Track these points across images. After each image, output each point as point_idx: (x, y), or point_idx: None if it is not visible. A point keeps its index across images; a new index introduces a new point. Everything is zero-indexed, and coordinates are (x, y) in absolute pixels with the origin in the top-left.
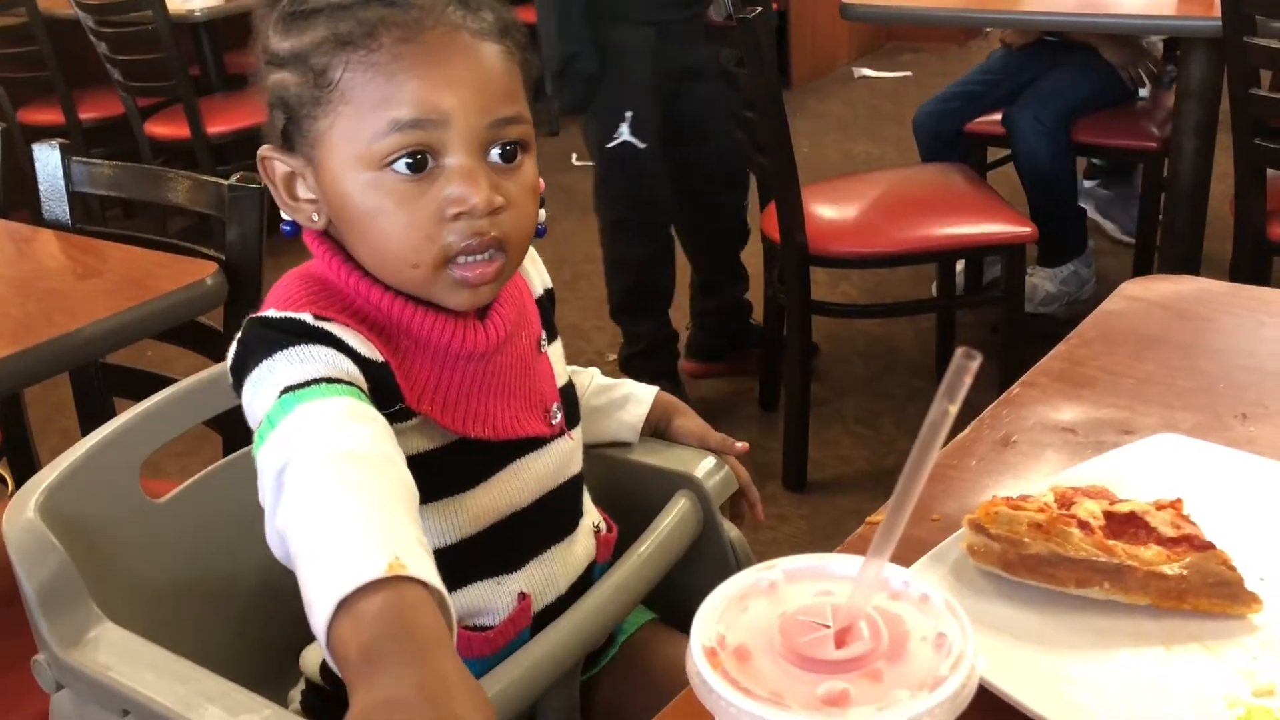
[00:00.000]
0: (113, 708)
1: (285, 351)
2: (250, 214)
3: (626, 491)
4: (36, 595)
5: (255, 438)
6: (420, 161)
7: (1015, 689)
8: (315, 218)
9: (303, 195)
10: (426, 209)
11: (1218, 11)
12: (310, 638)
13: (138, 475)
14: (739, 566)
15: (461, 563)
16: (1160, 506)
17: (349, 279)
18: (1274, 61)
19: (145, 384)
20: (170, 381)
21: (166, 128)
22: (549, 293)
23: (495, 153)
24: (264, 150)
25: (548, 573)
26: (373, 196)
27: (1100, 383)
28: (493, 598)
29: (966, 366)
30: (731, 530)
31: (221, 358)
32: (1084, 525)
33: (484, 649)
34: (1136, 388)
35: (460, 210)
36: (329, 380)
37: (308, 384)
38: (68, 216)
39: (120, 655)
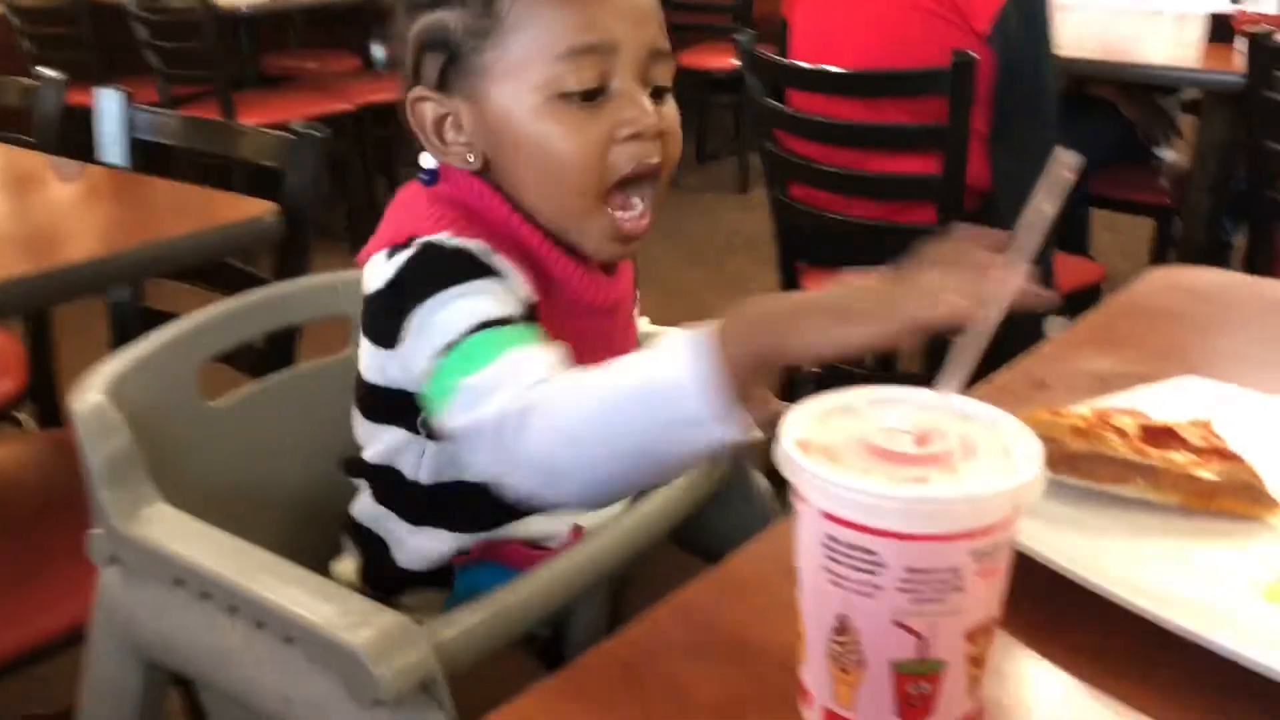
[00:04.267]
0: (166, 578)
1: (471, 283)
2: (310, 161)
3: None
4: (99, 469)
5: (442, 363)
6: (595, 89)
7: (1057, 557)
8: (470, 159)
9: (453, 138)
10: (598, 132)
11: (1238, 67)
12: (338, 551)
13: (196, 376)
14: (765, 516)
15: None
16: (1193, 424)
17: (505, 214)
18: None
19: None
20: None
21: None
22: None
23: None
24: (418, 92)
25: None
26: (545, 123)
27: (1128, 344)
28: (552, 525)
29: (1067, 163)
30: (761, 481)
31: None
32: (1121, 433)
33: (530, 564)
34: (1162, 349)
35: (633, 131)
36: (517, 319)
37: (503, 321)
38: (127, 162)
39: (175, 530)
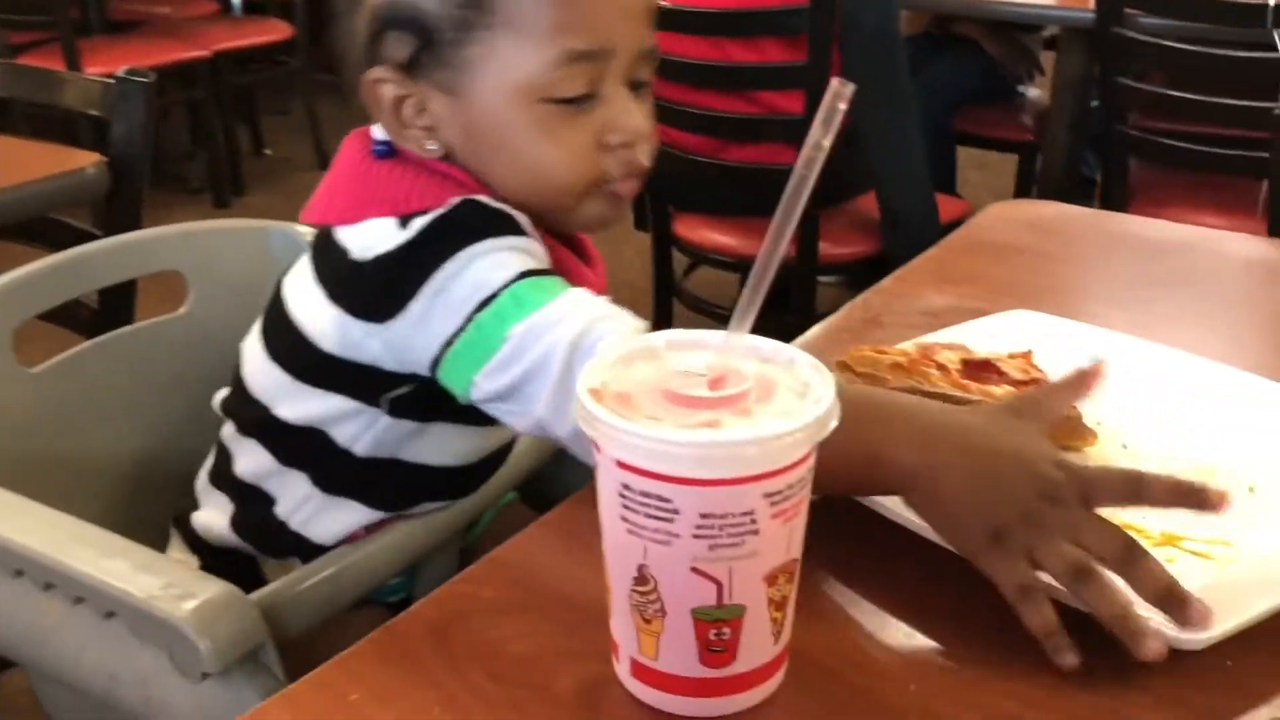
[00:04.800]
0: None
1: (511, 238)
2: (137, 110)
3: None
4: None
5: (483, 318)
6: (587, 95)
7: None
8: (431, 145)
9: (413, 120)
10: (585, 138)
11: (1092, 4)
12: (185, 510)
13: (10, 339)
14: None
15: (442, 484)
16: (1013, 356)
17: (494, 197)
18: (1139, 52)
19: None
20: None
21: (41, 65)
22: None
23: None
24: (377, 73)
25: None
26: (530, 128)
27: (965, 281)
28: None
29: (841, 94)
30: None
31: None
32: (941, 368)
33: None
34: (998, 285)
35: (623, 141)
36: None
37: (546, 272)
38: None
39: None
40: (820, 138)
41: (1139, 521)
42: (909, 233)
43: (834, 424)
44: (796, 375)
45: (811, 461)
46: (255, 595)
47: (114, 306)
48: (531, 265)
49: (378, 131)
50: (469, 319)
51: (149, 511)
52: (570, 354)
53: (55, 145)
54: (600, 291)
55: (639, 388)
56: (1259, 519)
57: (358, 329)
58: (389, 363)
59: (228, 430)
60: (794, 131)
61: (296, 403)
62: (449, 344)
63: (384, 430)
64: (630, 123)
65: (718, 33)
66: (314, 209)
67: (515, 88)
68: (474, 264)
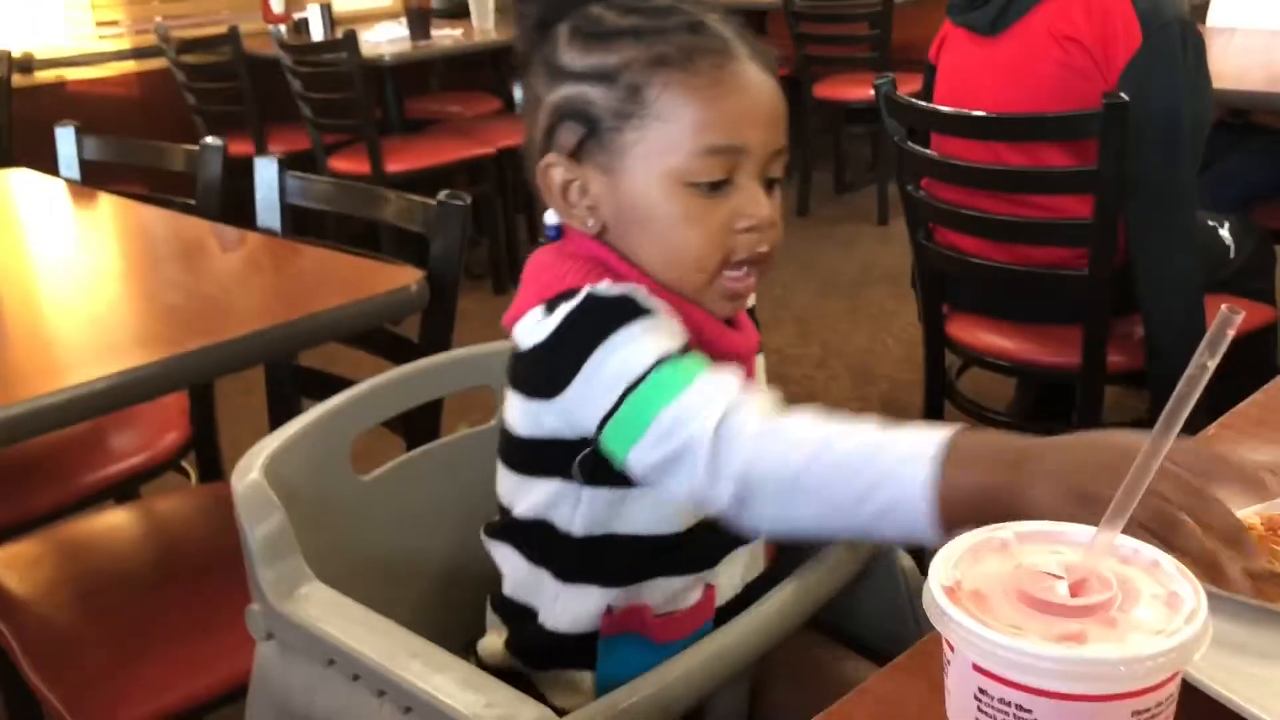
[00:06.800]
0: (319, 657)
1: (639, 322)
2: (454, 228)
3: None
4: (257, 547)
5: (633, 399)
6: (723, 183)
7: (1220, 688)
8: (590, 223)
9: (577, 200)
10: (719, 221)
11: None
12: (482, 617)
13: (349, 451)
14: (909, 593)
15: (668, 554)
16: None
17: (634, 273)
18: None
19: (336, 387)
20: None
21: (348, 163)
22: (752, 309)
23: (765, 179)
24: (550, 159)
25: (732, 571)
26: (673, 206)
27: None
28: (687, 590)
29: (1230, 320)
30: (905, 559)
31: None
32: None
33: (670, 634)
34: None
35: (750, 225)
36: (690, 350)
37: (680, 352)
38: (279, 226)
39: (328, 610)
40: (1205, 360)
41: None
42: (1165, 346)
43: (1201, 649)
44: (1159, 580)
45: (1180, 677)
46: (569, 718)
47: (427, 415)
48: (667, 349)
49: (550, 217)
50: (619, 401)
51: (456, 610)
52: (715, 439)
53: (379, 262)
54: (750, 352)
55: (993, 586)
56: None
57: (534, 407)
58: (566, 431)
59: (491, 546)
60: (1077, 235)
61: (520, 497)
62: (605, 421)
63: (590, 504)
64: (758, 210)
65: (993, 137)
66: (507, 316)
67: (661, 169)
68: (617, 353)
